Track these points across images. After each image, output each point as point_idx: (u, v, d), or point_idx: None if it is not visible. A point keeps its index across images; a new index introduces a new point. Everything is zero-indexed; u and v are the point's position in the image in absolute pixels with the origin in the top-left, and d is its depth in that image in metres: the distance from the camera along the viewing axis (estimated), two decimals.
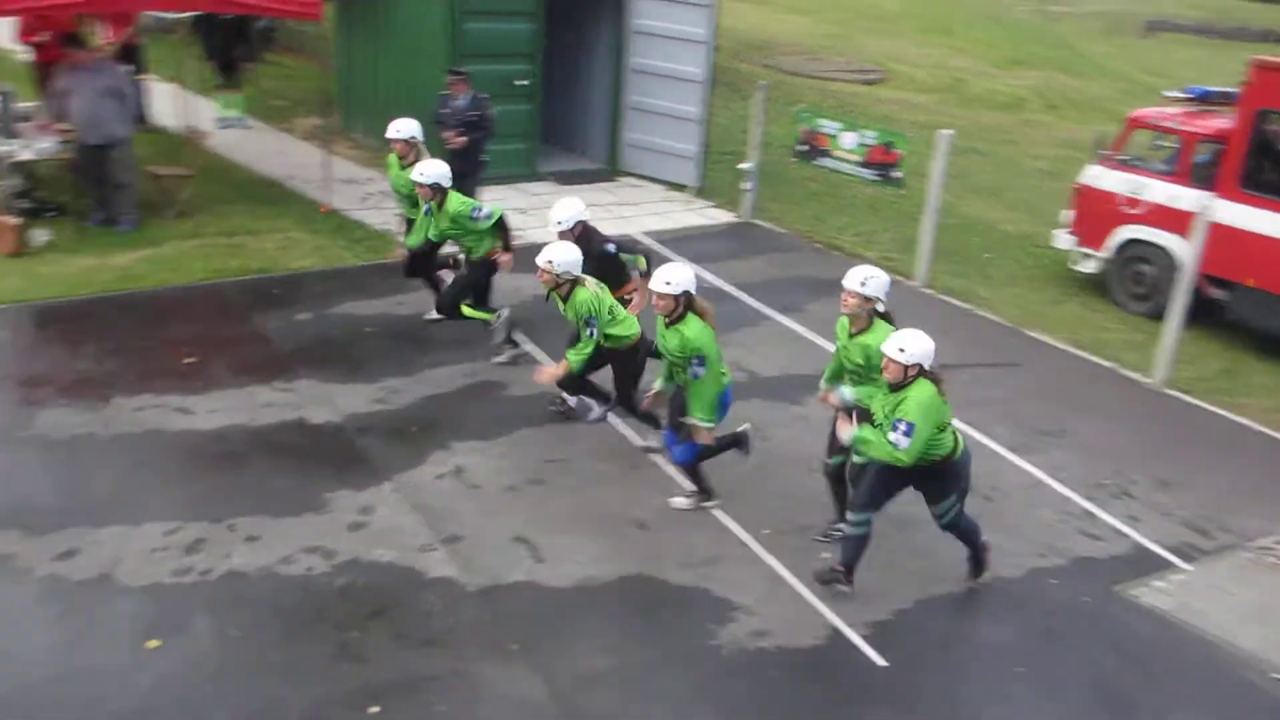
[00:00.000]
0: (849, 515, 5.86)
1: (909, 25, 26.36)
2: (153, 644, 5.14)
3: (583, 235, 7.41)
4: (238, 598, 5.50)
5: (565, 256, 6.71)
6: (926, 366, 5.45)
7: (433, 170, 7.97)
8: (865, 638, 5.62)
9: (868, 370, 5.90)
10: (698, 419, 6.24)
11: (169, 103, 13.64)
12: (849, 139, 11.51)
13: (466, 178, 10.57)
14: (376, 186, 12.27)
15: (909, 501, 5.84)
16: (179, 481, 6.46)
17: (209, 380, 7.58)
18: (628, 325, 6.89)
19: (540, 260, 6.67)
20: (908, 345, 5.43)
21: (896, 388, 5.49)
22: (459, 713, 4.93)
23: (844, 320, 6.07)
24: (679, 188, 13.09)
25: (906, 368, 5.42)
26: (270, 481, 6.47)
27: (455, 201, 7.86)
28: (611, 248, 7.61)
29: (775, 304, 9.86)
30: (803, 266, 11.00)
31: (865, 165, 11.41)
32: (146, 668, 5.00)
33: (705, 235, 11.72)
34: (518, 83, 12.39)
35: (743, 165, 12.17)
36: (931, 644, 5.70)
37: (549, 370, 6.98)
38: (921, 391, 5.42)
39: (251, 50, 15.44)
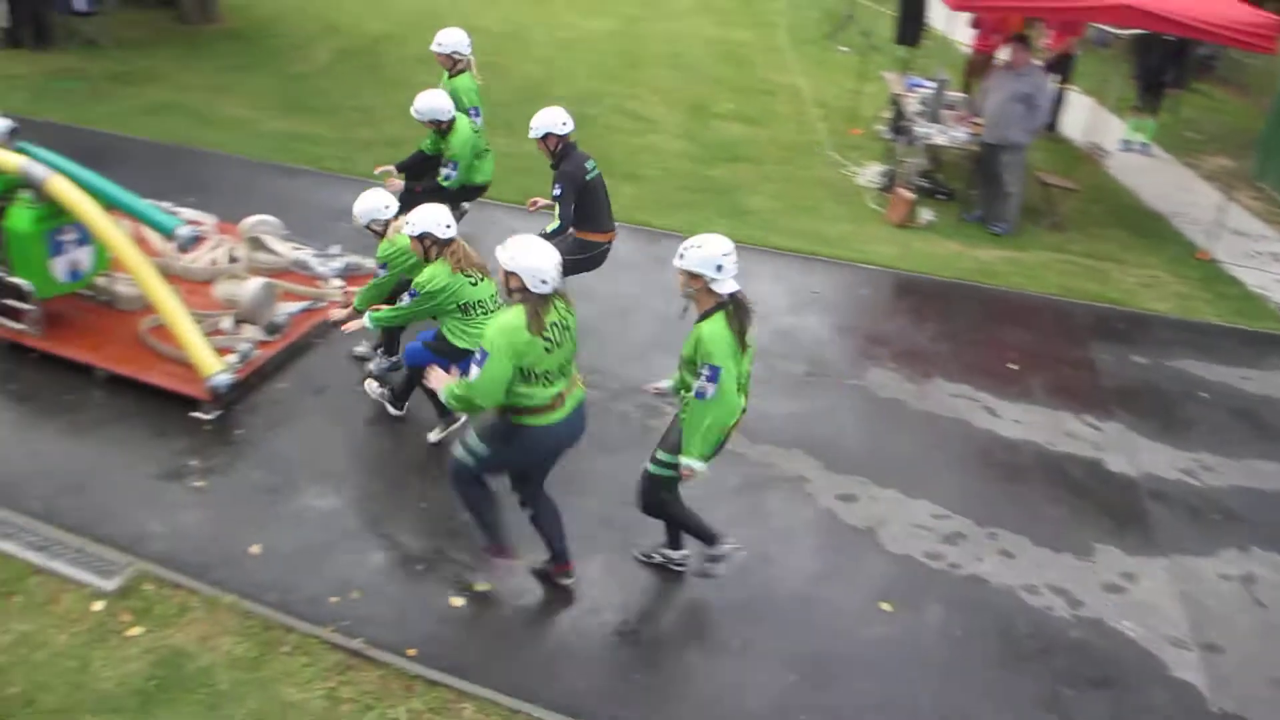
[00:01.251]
0: None
1: None
2: (885, 606, 5.48)
3: (561, 153, 6.83)
4: (973, 602, 5.59)
5: (361, 205, 6.14)
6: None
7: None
8: None
9: (688, 364, 4.94)
10: (371, 318, 5.89)
11: (1081, 115, 13.81)
12: None
13: None
14: (1271, 246, 11.13)
15: None
16: (962, 474, 6.70)
17: (1024, 391, 7.67)
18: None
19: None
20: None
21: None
22: None
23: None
24: None
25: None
26: (1044, 509, 6.39)
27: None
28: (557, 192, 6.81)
29: None
30: None
31: None
32: (872, 624, 5.36)
33: None
34: None
35: None
36: None
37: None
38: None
39: (1182, 76, 14.78)
